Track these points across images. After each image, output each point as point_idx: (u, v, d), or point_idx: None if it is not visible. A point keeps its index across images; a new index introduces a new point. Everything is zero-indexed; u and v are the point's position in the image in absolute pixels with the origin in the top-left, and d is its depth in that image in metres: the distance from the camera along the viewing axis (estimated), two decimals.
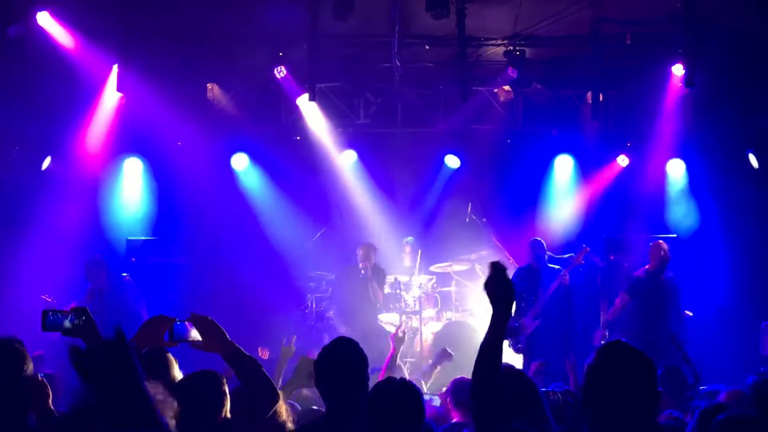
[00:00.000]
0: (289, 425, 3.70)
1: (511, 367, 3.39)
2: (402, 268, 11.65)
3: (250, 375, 3.39)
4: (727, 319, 10.58)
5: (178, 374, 4.21)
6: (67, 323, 3.64)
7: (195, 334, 3.46)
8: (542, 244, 10.10)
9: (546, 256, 10.07)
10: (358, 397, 3.55)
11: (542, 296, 9.82)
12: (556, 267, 10.06)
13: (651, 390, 2.76)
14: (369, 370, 3.69)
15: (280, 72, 11.10)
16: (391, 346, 6.02)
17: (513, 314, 9.70)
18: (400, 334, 6.11)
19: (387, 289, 11.04)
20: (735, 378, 6.73)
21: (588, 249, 10.10)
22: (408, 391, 3.31)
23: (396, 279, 11.20)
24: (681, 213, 11.80)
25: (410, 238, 11.89)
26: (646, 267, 9.78)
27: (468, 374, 5.41)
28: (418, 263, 11.55)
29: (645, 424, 2.75)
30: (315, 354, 3.81)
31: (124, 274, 10.22)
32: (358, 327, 9.93)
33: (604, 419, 2.76)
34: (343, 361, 3.64)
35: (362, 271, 10.24)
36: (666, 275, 9.68)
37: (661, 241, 9.90)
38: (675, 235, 10.60)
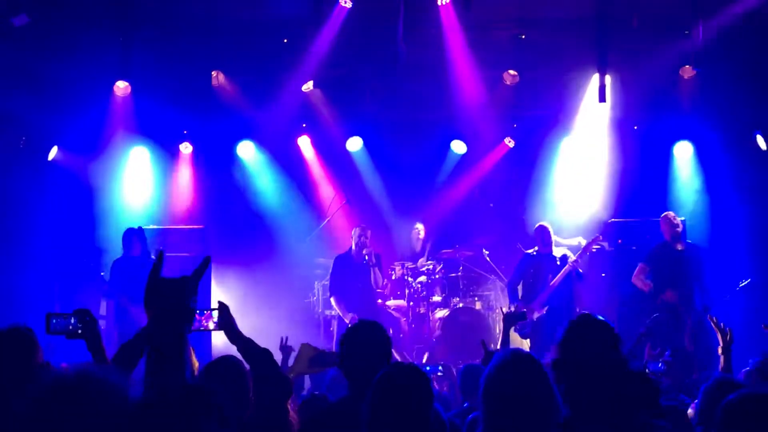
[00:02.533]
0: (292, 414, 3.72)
1: (520, 351, 3.37)
2: (410, 253, 11.65)
3: (262, 367, 3.40)
4: (738, 301, 10.54)
5: (195, 362, 4.22)
6: (70, 326, 3.68)
7: (210, 324, 3.49)
8: (548, 229, 10.07)
9: (553, 242, 10.06)
10: None
11: (550, 283, 9.82)
12: (565, 252, 10.05)
13: (616, 356, 3.00)
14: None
15: (286, 59, 11.10)
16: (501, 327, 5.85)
17: (519, 298, 9.82)
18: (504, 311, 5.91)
19: (398, 272, 11.03)
20: (744, 360, 6.71)
21: (600, 237, 10.11)
22: (416, 375, 3.30)
23: (404, 264, 11.19)
24: (689, 196, 11.75)
25: (419, 224, 11.88)
26: (663, 239, 9.81)
27: (475, 359, 5.40)
28: (427, 249, 11.55)
29: (613, 389, 2.94)
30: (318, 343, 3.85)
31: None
32: (362, 313, 9.89)
33: (574, 390, 2.95)
34: (370, 341, 3.72)
35: (366, 257, 10.14)
36: (683, 246, 9.68)
37: (670, 213, 9.94)
38: (683, 218, 10.55)
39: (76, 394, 2.02)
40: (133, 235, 9.76)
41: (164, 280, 2.05)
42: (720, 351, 5.62)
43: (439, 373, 7.01)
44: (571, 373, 3.00)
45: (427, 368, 7.07)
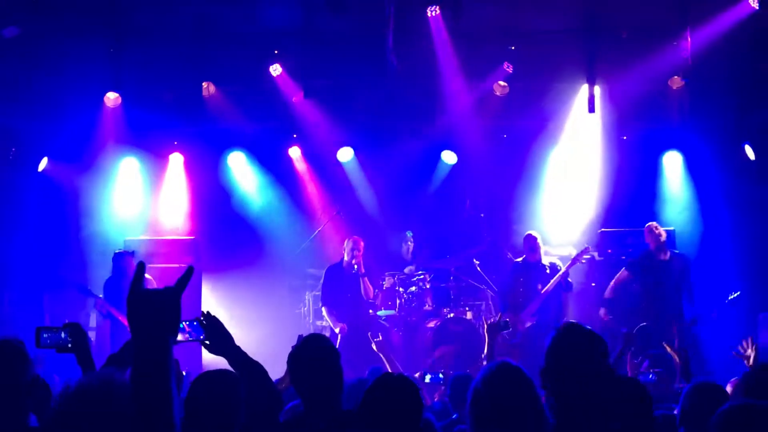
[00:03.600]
0: None
1: (507, 363, 3.38)
2: (400, 263, 11.66)
3: (254, 379, 3.39)
4: (725, 311, 10.58)
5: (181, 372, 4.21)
6: (60, 340, 3.67)
7: (197, 335, 3.45)
8: (536, 238, 10.11)
9: (542, 251, 10.10)
10: (335, 391, 3.62)
11: (539, 292, 9.86)
12: (554, 261, 10.08)
13: (604, 365, 3.04)
14: (368, 370, 3.70)
15: (276, 69, 11.14)
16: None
17: (506, 309, 9.82)
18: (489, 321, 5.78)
19: (389, 282, 11.03)
20: (733, 370, 6.74)
21: (590, 248, 10.20)
22: (406, 386, 3.31)
23: (395, 275, 11.19)
24: (677, 205, 11.81)
25: (410, 233, 11.90)
26: (647, 248, 9.84)
27: (465, 369, 5.40)
28: (417, 258, 11.56)
29: (601, 398, 2.98)
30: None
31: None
32: (352, 324, 9.89)
33: (562, 398, 2.97)
34: (316, 357, 3.67)
35: (355, 267, 10.11)
36: (668, 256, 9.70)
37: (653, 223, 9.97)
38: (672, 228, 10.60)
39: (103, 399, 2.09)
40: (124, 257, 9.72)
41: (146, 292, 2.03)
42: (680, 374, 5.75)
43: (441, 384, 7.00)
44: (558, 382, 3.01)
45: (429, 376, 7.06)
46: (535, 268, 10.02)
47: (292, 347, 3.78)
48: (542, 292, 9.85)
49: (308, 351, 3.74)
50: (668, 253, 9.77)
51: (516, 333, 9.70)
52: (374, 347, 6.91)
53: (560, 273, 9.85)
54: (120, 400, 2.17)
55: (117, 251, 9.90)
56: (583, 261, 10.20)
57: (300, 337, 4.14)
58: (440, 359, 9.49)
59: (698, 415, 3.91)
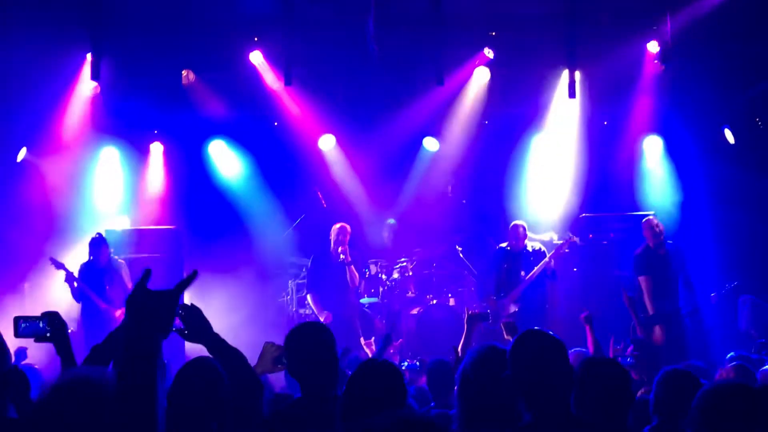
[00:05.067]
0: None
1: (494, 347, 3.39)
2: (383, 250, 11.66)
3: (234, 367, 3.37)
4: (707, 295, 10.66)
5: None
6: (39, 329, 3.65)
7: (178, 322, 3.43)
8: (523, 227, 10.18)
9: (526, 239, 10.13)
10: (333, 378, 3.62)
11: (523, 280, 9.89)
12: (538, 247, 10.09)
13: (564, 369, 3.03)
14: (350, 354, 3.70)
15: (256, 57, 11.08)
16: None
17: (489, 294, 9.85)
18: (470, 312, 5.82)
19: (372, 269, 11.04)
20: (715, 355, 6.80)
21: (572, 237, 10.19)
22: (390, 371, 3.31)
23: (378, 262, 11.18)
24: (658, 189, 11.86)
25: (392, 220, 11.89)
26: (645, 244, 9.59)
27: (449, 356, 5.40)
28: (398, 245, 11.57)
29: (564, 401, 3.02)
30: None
31: (116, 257, 10.17)
32: (338, 312, 9.87)
33: (532, 399, 2.99)
34: (314, 342, 3.67)
35: (341, 256, 10.03)
36: (665, 250, 9.49)
37: (651, 217, 9.78)
38: (653, 213, 10.63)
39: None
40: (100, 242, 9.89)
41: (149, 293, 2.10)
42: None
43: (418, 371, 7.03)
44: (523, 386, 3.02)
45: (405, 363, 7.09)
46: (519, 256, 10.10)
47: (290, 329, 3.78)
48: (526, 278, 9.91)
49: (308, 332, 3.76)
50: (665, 247, 9.51)
51: (498, 318, 9.61)
52: (362, 341, 6.95)
53: (543, 262, 9.89)
54: (100, 398, 2.20)
55: (92, 236, 9.98)
56: (566, 251, 10.22)
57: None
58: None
59: (671, 402, 3.95)
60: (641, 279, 9.46)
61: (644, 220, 9.69)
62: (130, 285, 9.76)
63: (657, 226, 9.52)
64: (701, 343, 9.58)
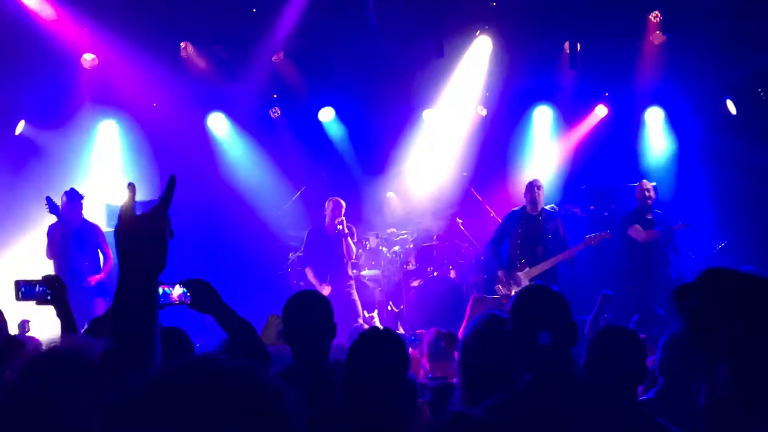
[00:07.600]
0: None
1: (495, 315, 3.38)
2: (384, 223, 11.64)
3: (242, 338, 3.36)
4: (706, 266, 10.67)
5: None
6: (40, 293, 3.68)
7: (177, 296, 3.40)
8: (541, 185, 9.25)
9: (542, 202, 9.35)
10: (326, 346, 3.66)
11: (538, 254, 9.13)
12: (551, 208, 9.77)
13: (566, 324, 3.04)
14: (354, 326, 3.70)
15: (255, 29, 10.99)
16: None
17: (497, 263, 9.42)
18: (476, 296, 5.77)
19: (373, 241, 11.03)
20: None
21: (609, 235, 9.07)
22: (393, 340, 3.30)
23: (378, 234, 11.17)
24: (659, 161, 11.83)
25: (392, 193, 11.85)
26: (634, 207, 9.59)
27: (449, 328, 5.38)
28: (399, 218, 11.57)
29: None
30: None
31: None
32: (335, 283, 9.86)
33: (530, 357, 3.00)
34: (309, 309, 3.70)
35: (338, 228, 9.86)
36: (652, 216, 9.43)
37: (645, 181, 9.66)
38: (654, 183, 10.60)
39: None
40: (75, 197, 9.22)
41: (136, 219, 1.96)
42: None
43: (414, 343, 7.05)
44: (524, 340, 3.02)
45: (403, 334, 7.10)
46: (537, 219, 9.21)
47: (288, 299, 3.78)
48: (551, 260, 9.04)
49: (305, 299, 3.78)
50: (652, 214, 9.47)
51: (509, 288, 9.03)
52: (364, 315, 6.95)
53: (577, 247, 9.08)
54: (90, 369, 2.10)
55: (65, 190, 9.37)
56: (595, 243, 9.06)
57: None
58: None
59: (676, 364, 3.98)
60: (630, 231, 9.37)
61: (638, 183, 9.64)
62: (109, 251, 9.33)
63: (648, 190, 9.44)
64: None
